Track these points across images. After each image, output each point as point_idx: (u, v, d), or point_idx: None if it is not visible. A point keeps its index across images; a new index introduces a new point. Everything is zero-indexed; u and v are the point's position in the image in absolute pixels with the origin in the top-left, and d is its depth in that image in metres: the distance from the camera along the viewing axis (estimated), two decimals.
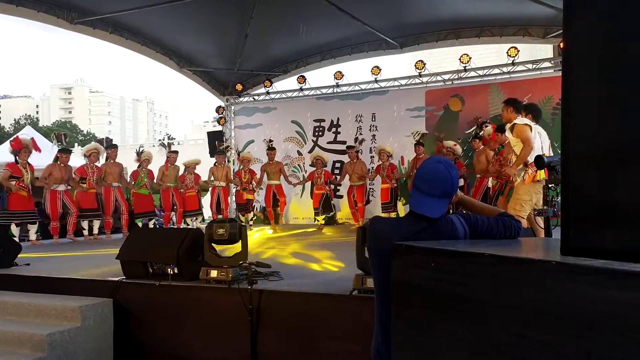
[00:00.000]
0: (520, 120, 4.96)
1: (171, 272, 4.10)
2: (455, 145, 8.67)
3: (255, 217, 10.29)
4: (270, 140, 10.49)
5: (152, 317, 4.13)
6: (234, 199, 10.90)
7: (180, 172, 9.73)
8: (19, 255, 5.26)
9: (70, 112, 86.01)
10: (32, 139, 8.43)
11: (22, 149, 7.80)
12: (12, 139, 8.23)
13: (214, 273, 3.93)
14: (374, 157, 10.47)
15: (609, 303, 0.96)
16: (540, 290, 1.09)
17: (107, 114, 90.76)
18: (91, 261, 5.65)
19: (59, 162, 8.28)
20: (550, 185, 3.26)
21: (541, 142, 4.96)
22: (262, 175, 10.01)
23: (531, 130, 4.88)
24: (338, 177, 10.26)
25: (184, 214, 9.75)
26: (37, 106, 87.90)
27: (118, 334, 4.13)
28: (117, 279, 4.30)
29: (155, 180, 9.37)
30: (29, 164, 7.88)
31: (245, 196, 9.82)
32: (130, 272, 4.34)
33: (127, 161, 10.01)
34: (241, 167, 9.98)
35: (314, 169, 9.82)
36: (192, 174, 9.75)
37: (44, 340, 3.62)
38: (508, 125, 5.10)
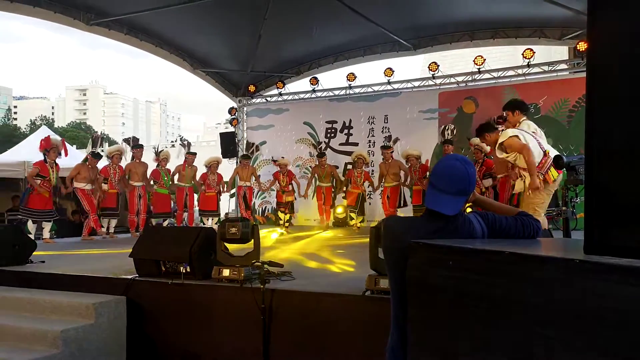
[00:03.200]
0: (504, 135, 4.71)
1: (183, 271, 4.12)
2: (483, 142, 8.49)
3: (290, 219, 10.24)
4: (319, 144, 11.06)
5: (165, 315, 4.15)
6: (274, 199, 10.96)
7: (200, 172, 9.76)
8: (33, 253, 5.32)
9: (84, 113, 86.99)
10: (63, 140, 8.54)
11: (51, 149, 7.92)
12: (43, 138, 8.27)
13: (226, 272, 3.93)
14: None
15: (635, 302, 0.93)
16: (563, 289, 1.07)
17: (120, 115, 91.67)
18: (105, 259, 5.69)
19: (87, 164, 8.41)
20: (569, 186, 3.20)
21: (538, 140, 4.81)
22: (312, 178, 10.24)
23: (519, 138, 4.63)
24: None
25: (200, 212, 9.74)
26: (53, 107, 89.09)
27: (131, 331, 4.15)
28: (130, 277, 4.33)
29: (170, 179, 9.42)
30: (57, 164, 7.99)
31: (285, 198, 9.90)
32: (143, 270, 4.37)
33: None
34: (279, 170, 10.08)
35: (352, 167, 9.89)
36: (214, 174, 9.76)
37: (58, 336, 3.65)
38: (497, 146, 4.80)
